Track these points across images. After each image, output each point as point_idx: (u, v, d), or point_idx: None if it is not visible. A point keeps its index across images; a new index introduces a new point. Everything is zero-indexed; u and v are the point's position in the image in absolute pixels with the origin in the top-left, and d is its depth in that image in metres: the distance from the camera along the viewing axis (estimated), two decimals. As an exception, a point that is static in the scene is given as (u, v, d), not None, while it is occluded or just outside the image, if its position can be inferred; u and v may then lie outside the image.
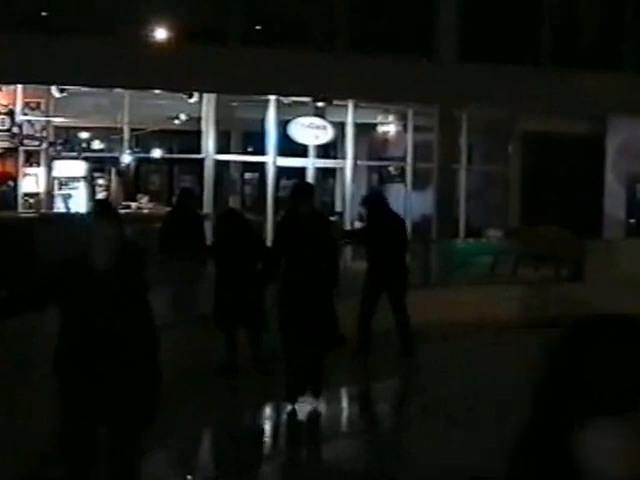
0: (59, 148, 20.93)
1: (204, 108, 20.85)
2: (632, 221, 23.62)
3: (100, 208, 6.34)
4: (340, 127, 22.02)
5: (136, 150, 21.94)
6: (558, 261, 16.94)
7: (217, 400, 10.46)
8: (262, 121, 21.24)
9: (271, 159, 21.29)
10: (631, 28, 22.79)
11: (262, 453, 9.28)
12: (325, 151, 22.53)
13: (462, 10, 21.17)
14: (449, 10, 21.24)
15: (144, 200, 22.02)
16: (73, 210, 20.35)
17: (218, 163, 21.28)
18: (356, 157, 22.14)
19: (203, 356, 10.90)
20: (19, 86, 19.86)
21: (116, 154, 21.66)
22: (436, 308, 14.00)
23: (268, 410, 10.72)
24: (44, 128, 20.57)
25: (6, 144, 20.24)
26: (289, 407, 10.01)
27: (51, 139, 20.67)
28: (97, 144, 22.91)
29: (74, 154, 21.22)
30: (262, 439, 9.72)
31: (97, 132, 22.72)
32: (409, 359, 12.83)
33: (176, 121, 21.95)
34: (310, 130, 21.30)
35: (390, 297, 12.82)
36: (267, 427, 10.31)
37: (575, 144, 22.44)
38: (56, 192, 20.63)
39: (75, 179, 20.80)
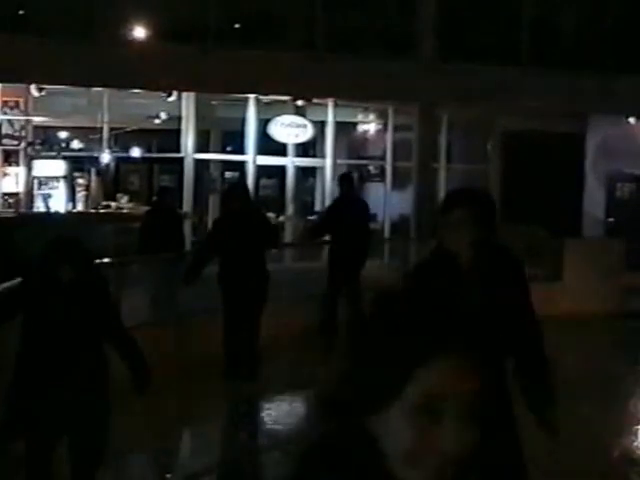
0: (38, 147, 20.87)
1: (183, 107, 20.82)
2: (611, 220, 23.70)
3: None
4: (320, 126, 22.03)
5: (115, 149, 21.90)
6: (537, 260, 16.99)
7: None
8: (242, 120, 21.22)
9: (251, 158, 21.26)
10: (611, 27, 22.86)
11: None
12: (305, 150, 22.55)
13: (441, 9, 21.18)
14: (428, 9, 21.25)
15: (124, 200, 21.99)
16: (53, 210, 20.32)
17: (198, 162, 21.24)
18: (336, 156, 22.15)
19: (183, 355, 10.87)
20: (-3, 85, 19.80)
21: (95, 154, 21.61)
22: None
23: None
24: (23, 127, 20.50)
25: (-16, 144, 20.19)
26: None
27: (30, 138, 20.61)
28: (76, 143, 22.85)
29: (53, 153, 21.17)
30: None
31: (76, 131, 22.67)
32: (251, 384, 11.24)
33: (156, 120, 21.90)
34: (290, 129, 21.30)
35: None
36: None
37: (555, 143, 22.50)
38: (36, 192, 20.57)
39: (55, 179, 20.75)
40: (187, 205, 20.60)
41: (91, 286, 5.90)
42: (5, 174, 20.47)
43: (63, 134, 22.81)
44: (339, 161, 22.55)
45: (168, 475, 8.46)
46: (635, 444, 9.02)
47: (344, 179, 15.15)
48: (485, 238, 4.48)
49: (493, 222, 4.54)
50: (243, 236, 10.92)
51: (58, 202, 20.56)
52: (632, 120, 23.83)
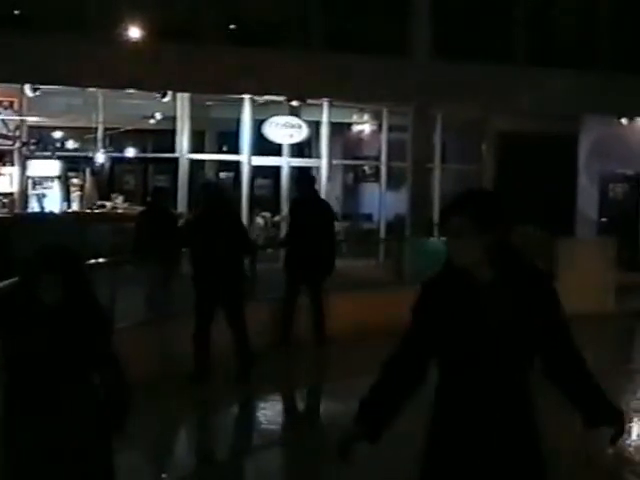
0: (33, 147, 20.86)
1: (178, 107, 20.83)
2: (604, 220, 23.74)
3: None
4: (315, 126, 22.05)
5: (110, 150, 21.89)
6: (531, 260, 17.01)
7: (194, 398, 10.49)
8: (237, 120, 21.24)
9: (246, 158, 21.29)
10: (605, 26, 22.89)
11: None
12: (300, 150, 22.57)
13: (436, 8, 21.21)
14: (423, 8, 21.28)
15: (119, 200, 22.00)
16: (47, 210, 20.31)
17: (193, 162, 21.27)
18: (331, 156, 22.17)
19: (177, 355, 10.87)
20: (-8, 85, 19.80)
21: (90, 154, 21.60)
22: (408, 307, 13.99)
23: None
24: (18, 127, 20.50)
25: (-21, 144, 20.19)
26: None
27: (24, 138, 20.59)
28: (71, 143, 22.87)
29: (48, 153, 21.16)
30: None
31: (71, 131, 22.68)
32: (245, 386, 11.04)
33: (150, 120, 21.91)
34: (285, 129, 21.33)
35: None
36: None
37: (549, 143, 22.52)
38: (30, 192, 20.56)
39: (49, 179, 20.73)
40: (182, 205, 20.61)
41: (81, 307, 4.96)
42: (-1, 174, 20.48)
43: (58, 134, 22.81)
44: (334, 161, 22.59)
45: (164, 475, 8.48)
46: (629, 442, 9.05)
47: (302, 180, 14.39)
48: (493, 244, 3.90)
49: (498, 224, 3.93)
50: (211, 236, 10.70)
51: (53, 202, 20.53)
52: (624, 121, 23.87)
